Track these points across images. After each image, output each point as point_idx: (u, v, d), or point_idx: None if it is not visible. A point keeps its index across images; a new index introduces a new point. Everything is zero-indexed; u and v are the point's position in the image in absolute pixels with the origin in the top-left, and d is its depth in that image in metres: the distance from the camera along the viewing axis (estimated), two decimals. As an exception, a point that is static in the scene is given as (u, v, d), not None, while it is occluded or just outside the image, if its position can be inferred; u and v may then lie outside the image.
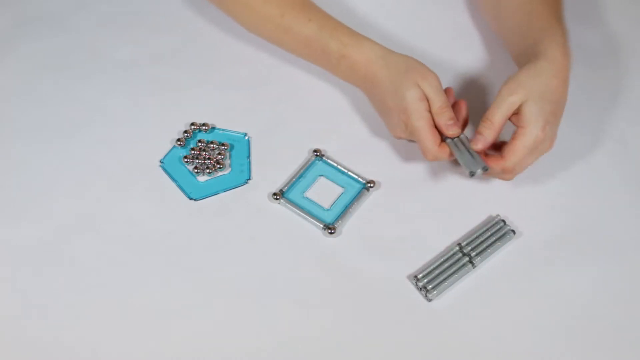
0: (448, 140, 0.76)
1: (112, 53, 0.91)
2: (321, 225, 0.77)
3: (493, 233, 0.76)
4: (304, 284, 0.74)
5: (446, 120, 0.76)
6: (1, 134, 0.84)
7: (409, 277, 0.74)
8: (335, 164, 0.82)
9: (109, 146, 0.83)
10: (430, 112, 0.76)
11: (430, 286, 0.73)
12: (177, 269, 0.74)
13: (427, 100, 0.76)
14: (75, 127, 0.84)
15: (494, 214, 0.78)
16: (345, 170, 0.82)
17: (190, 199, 0.79)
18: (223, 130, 0.85)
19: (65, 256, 0.75)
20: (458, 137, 0.77)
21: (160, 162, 0.82)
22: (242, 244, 0.76)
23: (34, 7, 0.96)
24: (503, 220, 0.77)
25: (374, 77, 0.80)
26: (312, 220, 0.78)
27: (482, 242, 0.76)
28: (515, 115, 0.75)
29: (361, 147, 0.84)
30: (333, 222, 0.78)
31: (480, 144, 0.75)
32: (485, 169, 0.74)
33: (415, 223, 0.78)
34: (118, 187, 0.80)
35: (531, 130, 0.73)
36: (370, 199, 0.80)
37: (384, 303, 0.73)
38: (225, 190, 0.80)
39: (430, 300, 0.73)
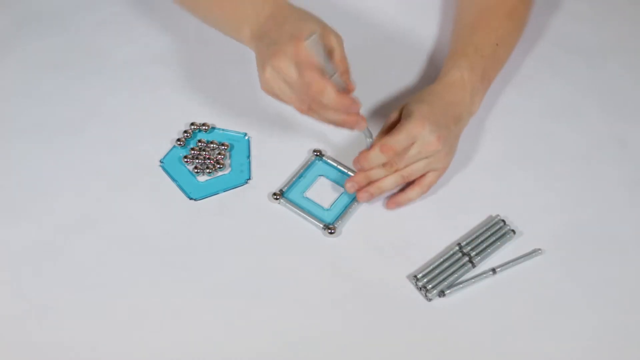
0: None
1: (112, 53, 0.91)
2: (321, 225, 0.77)
3: (493, 233, 0.76)
4: (304, 284, 0.74)
5: None
6: (1, 134, 0.84)
7: (409, 277, 0.74)
8: (335, 164, 0.82)
9: (109, 146, 0.83)
10: None
11: (430, 286, 0.73)
12: (176, 268, 0.74)
13: None
14: (75, 127, 0.84)
15: (494, 214, 0.78)
16: (345, 170, 0.82)
17: (190, 199, 0.79)
18: (223, 130, 0.85)
19: (65, 256, 0.75)
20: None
21: (160, 162, 0.82)
22: (242, 244, 0.76)
23: (34, 7, 0.96)
24: (503, 220, 0.77)
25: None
26: (312, 220, 0.78)
27: (482, 242, 0.76)
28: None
29: (361, 147, 0.83)
30: (333, 222, 0.77)
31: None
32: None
33: (415, 223, 0.78)
34: (118, 187, 0.80)
35: (407, 121, 0.74)
36: (370, 199, 0.80)
37: (384, 303, 0.73)
38: (225, 190, 0.80)
39: (430, 300, 0.73)
